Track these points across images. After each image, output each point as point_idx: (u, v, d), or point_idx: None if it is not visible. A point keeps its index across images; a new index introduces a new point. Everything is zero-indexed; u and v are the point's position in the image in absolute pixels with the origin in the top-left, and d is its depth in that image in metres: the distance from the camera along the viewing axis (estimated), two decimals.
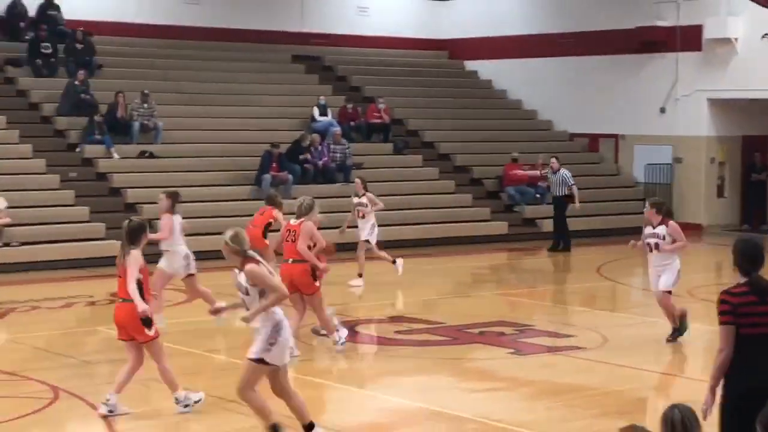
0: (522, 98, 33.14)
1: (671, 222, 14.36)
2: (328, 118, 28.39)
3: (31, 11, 27.98)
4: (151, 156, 25.42)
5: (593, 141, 31.84)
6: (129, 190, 24.09)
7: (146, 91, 26.21)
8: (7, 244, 21.18)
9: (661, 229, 14.15)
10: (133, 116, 25.83)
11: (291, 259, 13.42)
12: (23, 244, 21.40)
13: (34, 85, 26.62)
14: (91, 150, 24.96)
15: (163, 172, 24.87)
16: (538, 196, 28.41)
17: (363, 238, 19.80)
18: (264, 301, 9.48)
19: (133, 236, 10.82)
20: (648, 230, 14.33)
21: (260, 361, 9.47)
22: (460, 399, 12.00)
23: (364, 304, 18.39)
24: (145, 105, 26.05)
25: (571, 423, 11.18)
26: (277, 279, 9.76)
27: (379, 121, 29.30)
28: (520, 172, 28.50)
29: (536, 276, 23.33)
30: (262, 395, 9.69)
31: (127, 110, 25.81)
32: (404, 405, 11.83)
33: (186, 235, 15.73)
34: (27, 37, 27.41)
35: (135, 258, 10.70)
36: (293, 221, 13.54)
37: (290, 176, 25.73)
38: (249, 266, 9.51)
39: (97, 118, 25.23)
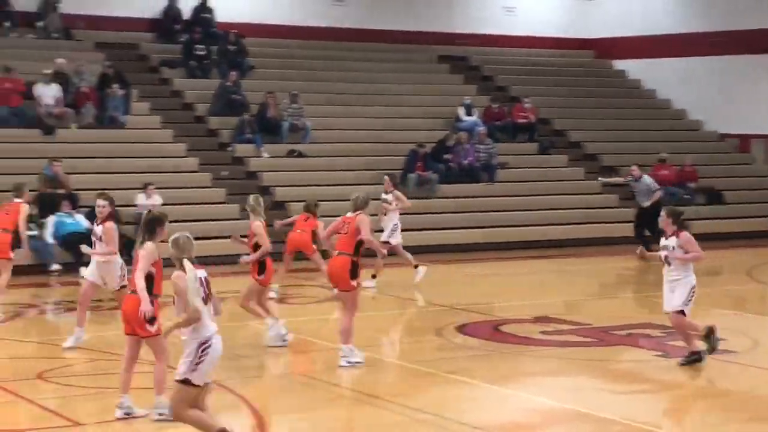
0: (671, 98, 32.56)
1: (683, 233, 12.87)
2: (474, 117, 28.34)
3: (186, 14, 28.55)
4: (300, 155, 25.73)
5: (744, 141, 31.13)
6: (278, 188, 24.44)
7: (295, 92, 26.54)
8: (164, 241, 21.64)
9: (672, 241, 12.77)
10: (282, 116, 26.18)
11: (337, 252, 13.09)
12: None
13: (188, 86, 27.17)
14: (241, 149, 25.40)
15: (311, 171, 25.17)
16: (686, 196, 27.87)
17: (383, 239, 18.95)
18: (180, 317, 9.06)
19: (149, 228, 10.39)
20: (662, 241, 13.10)
21: (186, 381, 8.99)
22: (605, 401, 11.86)
23: (507, 303, 18.29)
24: (294, 105, 26.38)
25: (719, 428, 10.96)
26: (192, 298, 8.94)
27: (524, 120, 29.11)
28: (666, 172, 28.01)
29: None
30: (197, 410, 9.14)
31: (276, 110, 26.17)
32: (548, 405, 11.73)
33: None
34: (182, 40, 27.97)
35: (148, 251, 10.27)
36: (350, 214, 13.12)
37: (435, 175, 25.81)
38: (174, 274, 9.05)
39: (247, 117, 25.67)
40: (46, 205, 20.98)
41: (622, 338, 15.22)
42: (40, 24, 27.01)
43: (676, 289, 12.87)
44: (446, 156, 26.49)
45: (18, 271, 20.00)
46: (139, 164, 23.54)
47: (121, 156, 23.88)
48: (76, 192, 21.70)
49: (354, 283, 12.90)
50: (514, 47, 33.15)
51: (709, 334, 12.90)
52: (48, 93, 24.20)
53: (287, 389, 12.44)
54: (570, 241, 25.59)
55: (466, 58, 32.00)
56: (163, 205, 22.02)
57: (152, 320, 10.37)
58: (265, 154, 25.30)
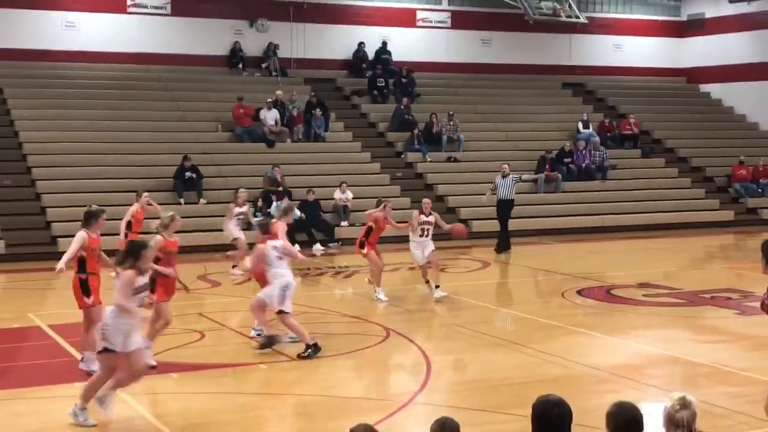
0: (746, 113, 31.26)
1: None
2: (590, 130, 27.77)
3: (370, 55, 28.80)
4: (456, 160, 25.66)
5: None
6: (439, 186, 24.46)
7: (451, 113, 26.47)
8: (352, 224, 21.97)
9: None
10: (442, 131, 26.16)
11: None
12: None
13: (372, 110, 27.35)
14: (412, 156, 25.46)
15: (464, 172, 25.08)
16: (759, 190, 26.82)
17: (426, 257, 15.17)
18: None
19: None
20: None
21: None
22: (694, 348, 11.50)
23: (617, 273, 17.89)
24: (451, 123, 26.32)
25: None
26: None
27: (630, 132, 28.41)
28: (744, 172, 26.95)
29: (759, 254, 21.93)
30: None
31: (438, 127, 26.17)
32: (649, 351, 11.44)
33: None
34: (367, 75, 28.19)
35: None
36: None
37: (559, 175, 25.43)
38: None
39: (416, 132, 25.73)
40: (268, 199, 21.45)
41: (708, 300, 14.73)
42: (264, 65, 27.62)
43: None
44: (568, 160, 26.06)
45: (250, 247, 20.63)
46: (336, 168, 23.83)
47: (322, 162, 24.22)
48: (290, 189, 22.10)
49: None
50: (622, 75, 32.34)
51: None
52: (270, 116, 24.71)
53: (447, 336, 12.46)
54: (666, 225, 24.87)
55: (584, 84, 31.38)
56: (353, 198, 22.30)
57: (88, 293, 9.88)
58: (429, 160, 25.33)
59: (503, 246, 20.49)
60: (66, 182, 21.16)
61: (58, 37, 25.39)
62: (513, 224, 23.27)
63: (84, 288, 9.94)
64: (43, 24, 25.26)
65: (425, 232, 14.82)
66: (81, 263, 9.89)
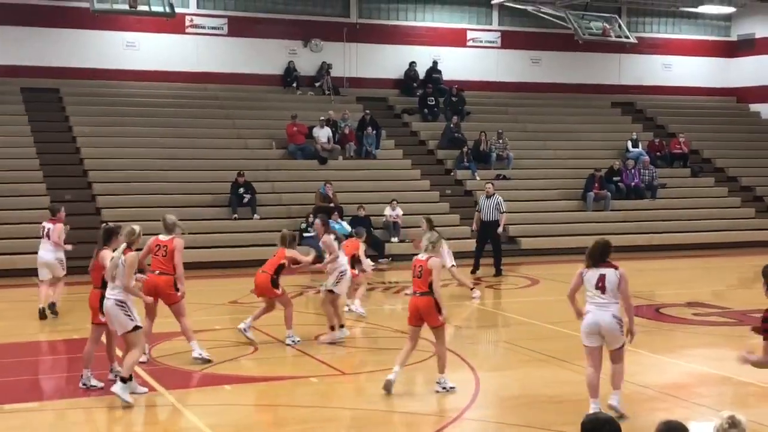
0: None
1: None
2: (639, 149, 27.52)
3: (421, 74, 28.89)
4: (505, 178, 25.57)
5: None
6: None
7: (501, 131, 26.42)
8: (402, 241, 21.96)
9: None
10: (491, 149, 26.10)
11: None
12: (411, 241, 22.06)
13: (422, 128, 27.39)
14: (460, 174, 25.44)
15: (513, 190, 24.96)
16: None
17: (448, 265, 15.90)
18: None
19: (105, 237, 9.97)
20: None
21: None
22: (743, 368, 11.26)
23: (666, 292, 17.66)
24: (500, 141, 26.25)
25: None
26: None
27: (679, 151, 28.07)
28: None
29: None
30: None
31: (487, 145, 26.11)
32: (698, 370, 11.28)
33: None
34: (418, 93, 28.28)
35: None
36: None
37: (608, 194, 25.20)
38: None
39: (465, 150, 25.70)
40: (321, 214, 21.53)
41: (757, 320, 14.44)
42: (317, 84, 27.83)
43: None
44: (617, 179, 25.82)
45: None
46: (387, 185, 23.90)
47: (373, 179, 24.31)
48: (342, 205, 22.20)
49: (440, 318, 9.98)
50: (671, 95, 32.02)
51: None
52: (322, 134, 24.88)
53: (495, 352, 12.39)
54: (715, 244, 24.50)
55: (633, 103, 31.11)
56: (403, 214, 22.32)
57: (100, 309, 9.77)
58: (478, 178, 25.27)
59: (477, 267, 19.08)
60: (125, 197, 21.50)
61: (118, 57, 25.87)
62: (562, 242, 23.17)
63: (275, 284, 11.48)
64: (105, 44, 25.76)
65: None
66: (104, 280, 9.76)
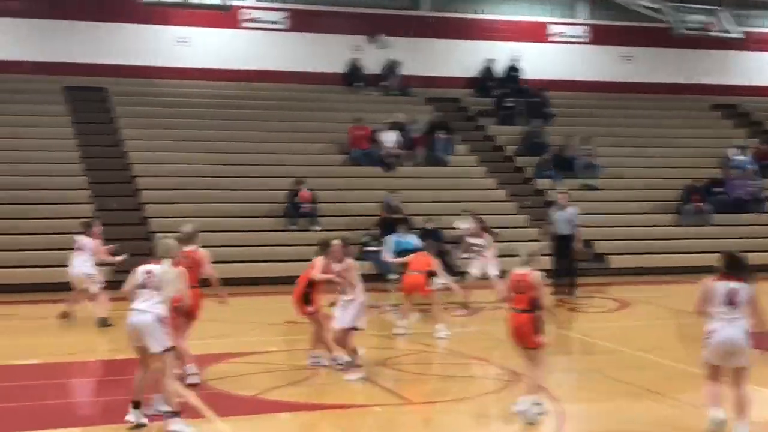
0: None
1: None
2: (744, 157, 27.03)
3: (498, 73, 28.82)
4: (592, 188, 25.34)
5: None
6: None
7: (587, 136, 26.22)
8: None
9: None
10: (576, 156, 25.90)
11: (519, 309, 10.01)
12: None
13: (499, 132, 27.31)
14: (542, 183, 25.29)
15: (601, 201, 24.74)
16: None
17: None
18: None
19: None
20: None
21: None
22: None
23: None
24: (587, 146, 26.06)
25: None
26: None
27: None
28: None
29: None
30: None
31: (572, 151, 25.92)
32: None
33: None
34: (495, 94, 28.21)
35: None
36: (519, 270, 10.00)
37: (709, 207, 24.82)
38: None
39: (547, 157, 25.55)
40: (386, 227, 21.62)
41: None
42: (384, 83, 27.95)
43: None
44: (718, 190, 25.41)
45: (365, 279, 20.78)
46: (459, 195, 23.86)
47: (444, 188, 24.31)
48: (409, 217, 22.22)
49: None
50: None
51: None
52: (389, 138, 24.97)
53: (579, 382, 12.28)
54: None
55: (737, 105, 30.60)
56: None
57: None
58: (562, 187, 25.03)
59: (565, 284, 18.89)
60: (173, 206, 21.79)
61: (169, 53, 26.33)
62: (656, 261, 22.88)
63: (306, 299, 11.46)
64: (155, 40, 26.24)
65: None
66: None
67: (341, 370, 11.89)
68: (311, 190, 22.51)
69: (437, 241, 21.86)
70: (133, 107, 25.02)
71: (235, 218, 21.70)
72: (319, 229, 22.20)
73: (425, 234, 21.61)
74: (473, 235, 17.16)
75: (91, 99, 25.11)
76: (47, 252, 19.46)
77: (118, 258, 15.35)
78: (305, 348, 13.64)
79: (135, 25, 25.94)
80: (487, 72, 28.73)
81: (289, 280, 19.77)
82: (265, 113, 25.86)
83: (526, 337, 9.93)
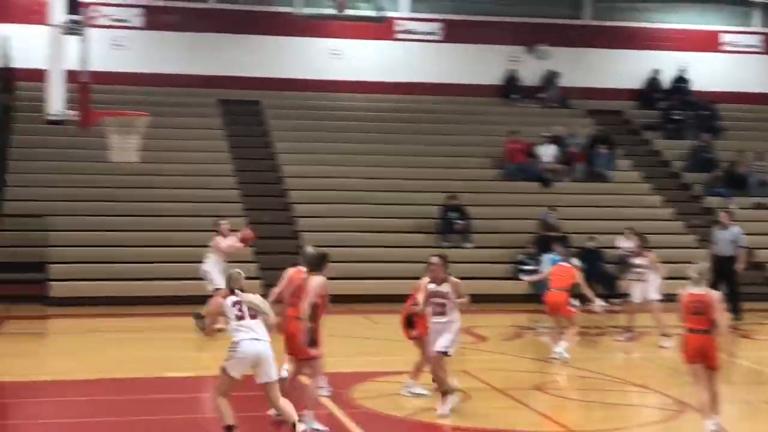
0: None
1: None
2: None
3: (665, 84, 28.17)
4: (765, 207, 24.40)
5: None
6: (746, 236, 23.24)
7: (761, 151, 25.31)
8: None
9: None
10: (750, 173, 25.02)
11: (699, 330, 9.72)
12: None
13: (665, 146, 26.67)
14: (711, 201, 24.51)
15: None
16: None
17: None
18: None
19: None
20: None
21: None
22: None
23: None
24: (761, 163, 25.16)
25: None
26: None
27: None
28: None
29: None
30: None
31: (744, 167, 25.06)
32: None
33: None
34: (661, 106, 27.62)
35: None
36: (695, 290, 9.74)
37: None
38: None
39: (717, 173, 24.79)
40: (543, 245, 21.34)
41: None
42: (542, 95, 27.68)
43: None
44: None
45: (517, 299, 20.63)
46: (621, 213, 23.32)
47: (605, 206, 23.84)
48: (567, 235, 21.87)
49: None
50: None
51: None
52: (546, 152, 24.68)
53: (753, 415, 11.74)
54: None
55: None
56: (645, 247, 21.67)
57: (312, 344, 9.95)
58: (734, 206, 24.19)
59: (734, 310, 18.03)
60: (325, 220, 22.10)
61: (322, 66, 26.75)
62: None
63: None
64: (309, 52, 26.71)
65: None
66: (313, 310, 9.94)
67: (410, 396, 11.48)
68: (465, 205, 22.43)
69: (598, 261, 21.49)
70: (286, 120, 25.52)
71: (387, 233, 21.81)
72: (472, 246, 22.11)
73: (586, 253, 21.26)
74: (634, 255, 16.60)
75: (245, 112, 25.75)
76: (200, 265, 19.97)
77: (239, 245, 16.23)
78: (457, 369, 13.54)
79: (289, 38, 26.48)
80: (653, 83, 28.14)
81: None
82: (418, 126, 25.94)
83: (709, 357, 9.71)
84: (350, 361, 12.25)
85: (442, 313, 10.79)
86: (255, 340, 9.28)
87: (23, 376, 12.94)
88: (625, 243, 21.75)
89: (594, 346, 16.26)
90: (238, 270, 9.84)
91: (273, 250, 20.82)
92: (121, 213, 21.39)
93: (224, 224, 16.69)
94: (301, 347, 10.00)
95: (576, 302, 18.36)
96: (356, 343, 13.71)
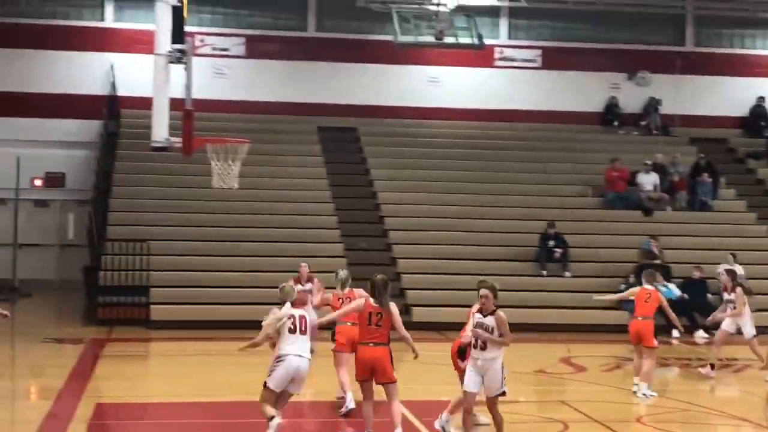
0: None
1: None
2: None
3: None
4: None
5: None
6: None
7: None
8: None
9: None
10: None
11: None
12: None
13: None
14: None
15: None
16: None
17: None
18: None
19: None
20: None
21: (264, 384, 9.99)
22: None
23: None
24: None
25: None
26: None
27: None
28: None
29: None
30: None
31: None
32: None
33: None
34: (766, 134, 27.14)
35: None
36: None
37: None
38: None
39: None
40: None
41: None
42: (643, 123, 27.35)
43: None
44: None
45: (617, 330, 20.27)
46: (725, 242, 22.82)
47: (708, 235, 23.38)
48: (669, 264, 21.48)
49: None
50: None
51: None
52: (647, 180, 24.33)
53: None
54: None
55: None
56: (746, 278, 21.19)
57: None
58: None
59: None
60: (421, 247, 22.11)
61: (421, 93, 26.87)
62: None
63: (461, 353, 10.50)
64: (407, 80, 26.86)
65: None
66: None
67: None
68: (564, 233, 22.22)
69: (704, 291, 21.04)
70: (383, 147, 25.67)
71: (483, 261, 21.68)
72: (570, 275, 21.87)
73: (692, 284, 20.89)
74: (725, 289, 16.01)
75: (343, 139, 25.97)
76: None
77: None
78: (555, 400, 13.38)
79: (388, 66, 26.65)
80: (758, 111, 27.57)
81: (539, 327, 19.71)
82: (517, 153, 25.84)
83: None
84: (449, 390, 12.09)
85: (484, 348, 9.91)
86: (299, 357, 9.99)
87: (123, 398, 13.20)
88: (727, 268, 21.35)
89: (695, 378, 15.87)
90: (291, 284, 10.59)
91: (369, 276, 20.77)
92: (222, 238, 21.73)
93: (304, 267, 16.49)
94: (388, 371, 10.16)
95: (676, 333, 18.05)
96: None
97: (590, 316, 20.29)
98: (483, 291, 10.13)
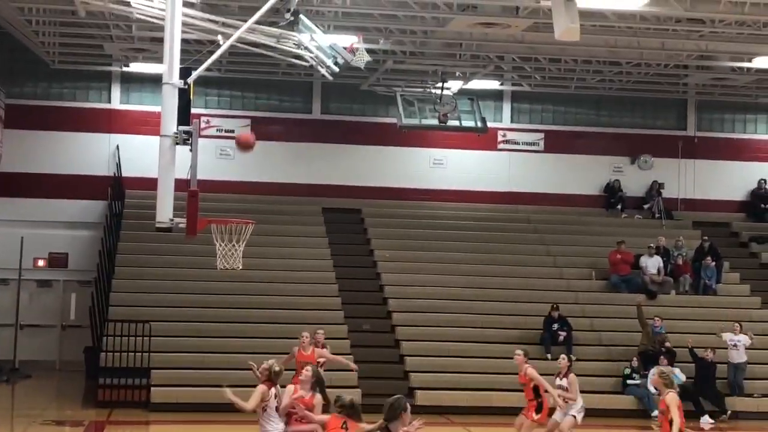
0: None
1: None
2: None
3: None
4: None
5: None
6: None
7: None
8: (749, 395, 20.67)
9: None
10: None
11: None
12: None
13: None
14: None
15: None
16: None
17: None
18: None
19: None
20: None
21: None
22: None
23: None
24: None
25: None
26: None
27: None
28: None
29: None
30: None
31: None
32: None
33: None
34: None
35: None
36: None
37: None
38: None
39: None
40: (647, 358, 20.86)
41: None
42: (646, 206, 27.40)
43: None
44: None
45: (623, 414, 20.07)
46: (728, 326, 22.53)
47: (713, 318, 23.18)
48: (674, 348, 21.31)
49: None
50: None
51: None
52: (651, 264, 24.28)
53: None
54: None
55: None
56: (749, 363, 21.03)
57: None
58: None
59: None
60: (424, 329, 21.97)
61: (424, 175, 26.95)
62: None
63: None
64: (411, 162, 26.97)
65: None
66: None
67: None
68: (568, 316, 22.10)
69: (712, 376, 20.85)
70: (386, 229, 25.67)
71: (487, 344, 21.54)
72: (575, 358, 21.65)
73: (700, 367, 20.74)
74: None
75: (347, 221, 25.98)
76: None
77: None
78: None
79: (392, 148, 26.77)
80: (759, 193, 27.62)
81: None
82: (521, 236, 25.83)
83: None
84: None
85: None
86: None
87: None
88: (733, 337, 21.28)
89: None
90: (281, 365, 10.98)
91: (372, 358, 20.73)
92: (224, 319, 21.56)
93: (320, 334, 16.50)
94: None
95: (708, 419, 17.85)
96: None
97: (596, 400, 19.95)
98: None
